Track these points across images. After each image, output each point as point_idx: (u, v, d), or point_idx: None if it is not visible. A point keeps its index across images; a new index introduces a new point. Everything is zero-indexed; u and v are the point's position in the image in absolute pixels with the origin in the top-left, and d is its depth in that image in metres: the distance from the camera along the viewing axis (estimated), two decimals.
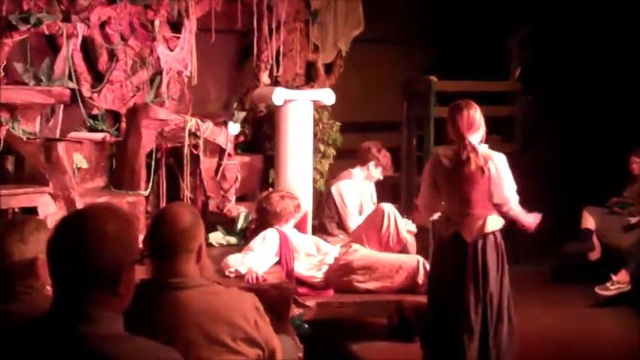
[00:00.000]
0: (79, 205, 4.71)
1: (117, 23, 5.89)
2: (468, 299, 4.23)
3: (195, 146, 5.57)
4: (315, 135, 6.15)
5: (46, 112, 5.42)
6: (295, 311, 4.78)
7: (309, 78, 7.13)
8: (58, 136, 5.32)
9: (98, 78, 5.89)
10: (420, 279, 5.20)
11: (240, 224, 5.51)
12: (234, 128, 5.76)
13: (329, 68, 7.28)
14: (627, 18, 7.60)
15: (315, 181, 6.28)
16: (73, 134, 5.52)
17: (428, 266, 5.03)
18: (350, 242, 5.52)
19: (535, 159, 8.18)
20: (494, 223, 4.30)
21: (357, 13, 7.21)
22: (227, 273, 4.67)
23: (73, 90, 5.49)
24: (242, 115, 5.96)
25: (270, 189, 5.72)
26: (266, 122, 6.54)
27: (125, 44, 5.95)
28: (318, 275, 5.23)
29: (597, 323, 6.01)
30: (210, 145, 5.69)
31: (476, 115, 4.28)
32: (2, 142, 4.88)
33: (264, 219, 5.18)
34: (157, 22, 6.04)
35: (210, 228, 5.35)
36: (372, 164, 5.92)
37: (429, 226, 5.92)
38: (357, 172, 5.97)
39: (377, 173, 5.97)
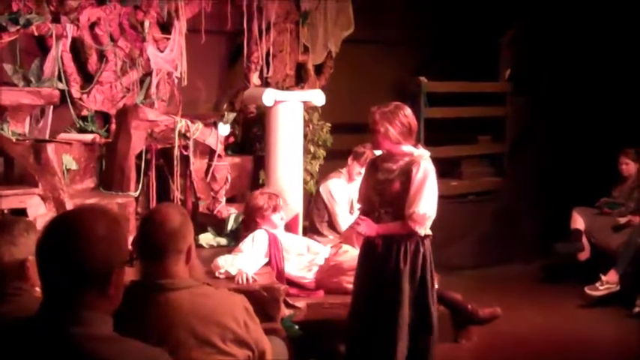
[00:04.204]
0: (69, 206, 4.69)
1: (106, 24, 5.87)
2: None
3: (186, 147, 5.56)
4: (305, 136, 6.14)
5: (36, 113, 5.39)
6: (285, 312, 4.77)
7: (300, 79, 7.13)
8: (47, 137, 5.29)
9: (88, 79, 5.87)
10: None
11: (230, 225, 5.51)
12: (224, 129, 5.75)
13: (319, 69, 7.28)
14: (617, 19, 7.64)
15: (305, 182, 6.29)
16: (62, 135, 5.50)
17: None
18: (340, 243, 5.52)
19: (525, 159, 8.22)
20: None
21: (347, 14, 7.22)
22: (217, 274, 4.67)
23: (62, 91, 5.46)
24: (232, 116, 5.95)
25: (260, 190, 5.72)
26: (256, 123, 6.54)
27: (115, 45, 5.93)
28: (309, 276, 5.22)
29: (587, 323, 6.03)
30: (200, 146, 5.68)
31: None
32: None
33: (247, 216, 5.24)
34: (146, 23, 6.03)
35: (201, 229, 5.35)
36: (354, 162, 5.94)
37: None
38: (344, 171, 6.00)
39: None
